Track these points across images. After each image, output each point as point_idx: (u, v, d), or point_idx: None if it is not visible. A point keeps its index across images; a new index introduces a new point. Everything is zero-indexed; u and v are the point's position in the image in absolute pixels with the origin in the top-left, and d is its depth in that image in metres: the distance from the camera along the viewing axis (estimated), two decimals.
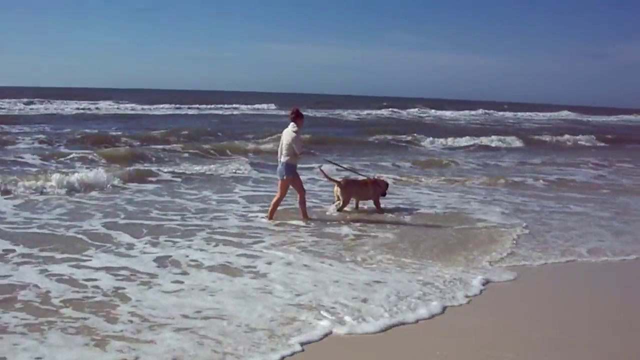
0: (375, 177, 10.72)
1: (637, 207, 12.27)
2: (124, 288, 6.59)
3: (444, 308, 5.98)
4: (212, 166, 16.21)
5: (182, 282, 6.79)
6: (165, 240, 8.71)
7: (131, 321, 5.55)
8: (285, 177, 9.07)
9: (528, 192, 13.79)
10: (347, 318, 5.62)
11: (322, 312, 5.77)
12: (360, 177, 10.76)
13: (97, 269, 7.33)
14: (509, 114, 57.81)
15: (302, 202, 9.39)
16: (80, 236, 8.96)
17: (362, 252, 8.14)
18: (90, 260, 7.74)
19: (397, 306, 5.94)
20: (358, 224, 9.81)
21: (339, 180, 10.09)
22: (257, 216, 10.05)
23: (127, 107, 43.89)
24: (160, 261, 7.68)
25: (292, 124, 9.01)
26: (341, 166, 11.22)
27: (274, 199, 9.46)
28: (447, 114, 52.03)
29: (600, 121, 55.08)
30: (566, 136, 31.05)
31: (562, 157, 22.71)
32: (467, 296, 6.36)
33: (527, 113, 58.94)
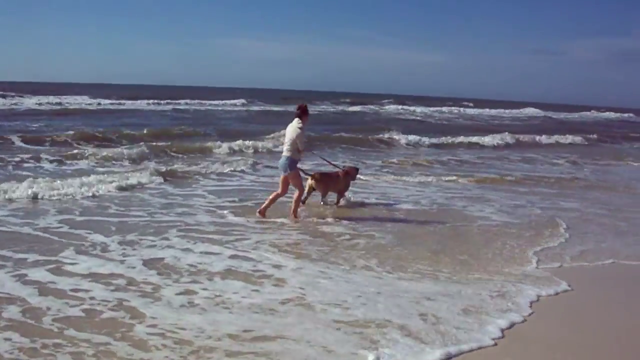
0: (345, 167, 10.42)
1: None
2: (127, 300, 5.60)
3: (512, 324, 5.40)
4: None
5: (193, 292, 5.88)
6: (140, 239, 7.78)
7: (165, 345, 4.62)
8: (288, 172, 8.72)
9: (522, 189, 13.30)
10: (434, 337, 4.93)
11: (400, 331, 5.02)
12: (332, 169, 10.46)
13: (83, 276, 6.25)
14: (473, 111, 54.72)
15: (297, 200, 9.00)
16: (45, 235, 7.78)
17: (374, 255, 7.49)
18: (70, 264, 6.62)
19: (467, 323, 5.29)
20: (346, 222, 9.21)
21: (313, 173, 9.93)
22: (223, 212, 9.53)
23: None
24: (151, 265, 6.71)
25: (297, 119, 8.72)
26: (331, 162, 10.59)
27: (273, 195, 9.01)
28: (418, 110, 50.46)
29: (573, 119, 54.50)
30: (568, 136, 29.68)
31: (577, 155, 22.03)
32: (530, 306, 5.84)
33: (494, 110, 57.29)
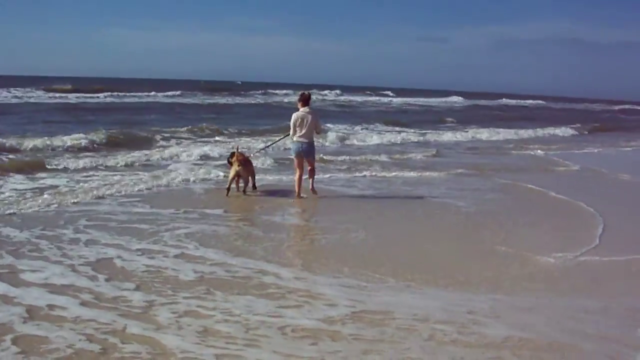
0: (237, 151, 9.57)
1: None
2: (127, 328, 4.31)
3: None
4: None
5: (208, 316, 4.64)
6: (53, 235, 6.65)
7: None
8: (310, 156, 9.31)
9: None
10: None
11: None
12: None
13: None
14: (397, 100, 53.33)
15: (312, 176, 9.55)
16: None
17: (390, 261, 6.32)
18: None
19: None
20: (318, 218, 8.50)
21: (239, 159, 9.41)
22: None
23: None
24: (104, 269, 5.54)
25: (306, 107, 9.15)
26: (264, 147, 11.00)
27: (297, 177, 9.32)
28: (341, 99, 48.83)
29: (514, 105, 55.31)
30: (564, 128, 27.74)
31: None
32: None
33: (420, 99, 55.91)
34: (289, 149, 10.06)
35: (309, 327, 4.45)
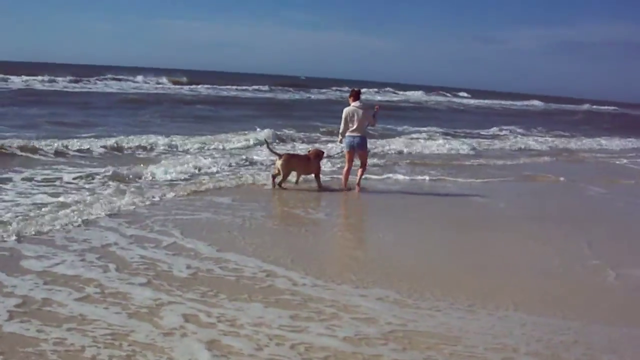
0: (312, 150, 10.17)
1: None
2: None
3: None
4: None
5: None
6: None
7: None
8: (362, 150, 9.46)
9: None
10: None
11: None
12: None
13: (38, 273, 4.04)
14: (481, 102, 50.64)
15: (363, 172, 9.68)
16: None
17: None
18: None
19: None
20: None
21: (281, 153, 9.59)
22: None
23: None
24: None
25: (357, 102, 9.33)
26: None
27: (345, 169, 9.50)
28: (394, 98, 45.57)
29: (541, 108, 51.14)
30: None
31: None
32: None
33: (499, 101, 53.46)
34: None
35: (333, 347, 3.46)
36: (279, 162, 9.21)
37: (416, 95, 52.07)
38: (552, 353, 3.62)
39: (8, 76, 32.89)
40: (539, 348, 3.65)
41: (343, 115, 9.32)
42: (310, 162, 9.52)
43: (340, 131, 9.41)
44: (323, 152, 10.10)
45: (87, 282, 4.25)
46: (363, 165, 9.58)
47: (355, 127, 9.30)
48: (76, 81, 34.21)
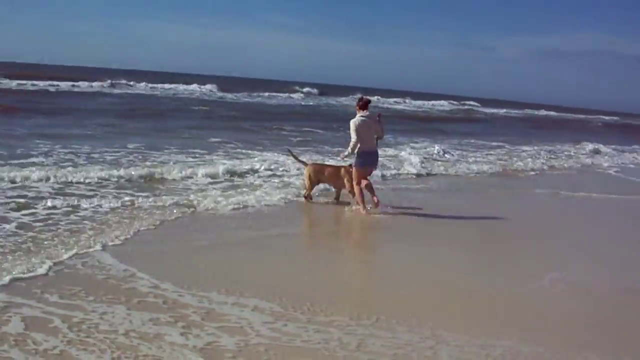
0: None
1: None
2: None
3: None
4: None
5: None
6: None
7: None
8: (375, 166, 8.68)
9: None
10: None
11: None
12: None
13: None
14: (414, 103, 50.03)
15: (373, 189, 8.58)
16: None
17: None
18: None
19: None
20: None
21: (308, 162, 9.03)
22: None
23: None
24: None
25: (364, 111, 8.29)
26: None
27: (358, 192, 8.35)
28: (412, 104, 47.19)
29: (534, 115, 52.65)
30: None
31: None
32: None
33: (508, 110, 54.63)
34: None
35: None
36: (304, 171, 8.62)
37: (444, 105, 51.61)
38: None
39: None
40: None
41: (353, 127, 8.16)
42: (340, 174, 8.60)
43: (351, 146, 8.21)
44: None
45: None
46: (369, 183, 8.48)
47: (368, 141, 8.24)
48: None
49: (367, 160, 8.32)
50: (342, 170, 8.58)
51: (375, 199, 8.32)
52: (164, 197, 7.98)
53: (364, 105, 8.34)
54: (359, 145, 8.18)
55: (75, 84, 34.53)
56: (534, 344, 4.08)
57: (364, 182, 8.38)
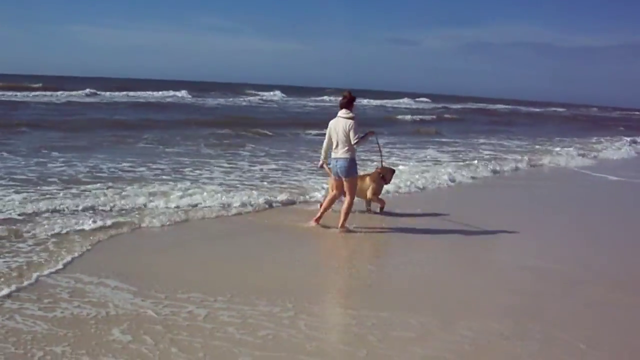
0: (381, 168, 8.48)
1: None
2: None
3: None
4: None
5: None
6: None
7: None
8: (347, 177, 7.24)
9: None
10: None
11: None
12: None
13: None
14: (373, 102, 48.82)
15: (348, 209, 7.39)
16: None
17: None
18: None
19: None
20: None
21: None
22: None
23: None
24: None
25: (344, 110, 7.21)
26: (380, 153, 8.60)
27: (328, 198, 7.61)
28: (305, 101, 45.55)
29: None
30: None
31: None
32: None
33: (388, 100, 52.70)
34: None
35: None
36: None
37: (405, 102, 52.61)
38: None
39: None
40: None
41: (327, 130, 7.33)
42: (364, 182, 8.07)
43: (323, 149, 7.47)
44: (391, 170, 8.55)
45: None
46: (348, 203, 7.30)
47: (339, 146, 7.17)
48: None
49: (332, 167, 7.39)
50: (367, 178, 8.16)
51: (340, 222, 7.28)
52: None
53: (343, 103, 7.24)
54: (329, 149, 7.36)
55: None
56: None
57: (332, 193, 7.58)
